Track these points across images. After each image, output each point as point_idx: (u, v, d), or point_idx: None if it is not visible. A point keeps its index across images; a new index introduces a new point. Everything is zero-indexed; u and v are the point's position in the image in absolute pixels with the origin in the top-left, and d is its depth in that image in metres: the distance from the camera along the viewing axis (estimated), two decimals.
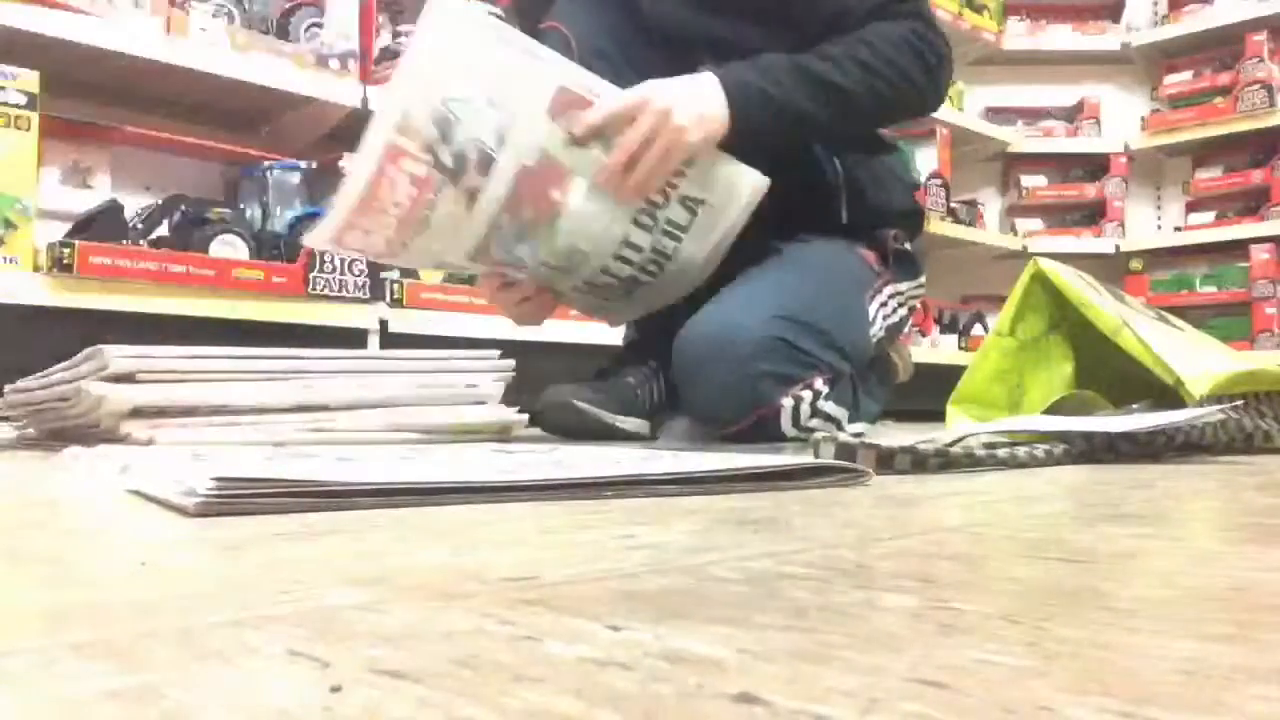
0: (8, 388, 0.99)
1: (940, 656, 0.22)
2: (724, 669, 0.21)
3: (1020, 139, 3.36)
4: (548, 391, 1.13)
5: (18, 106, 1.44)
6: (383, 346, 1.73)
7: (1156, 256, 3.32)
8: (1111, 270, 3.16)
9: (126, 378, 0.86)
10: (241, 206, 1.76)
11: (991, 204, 3.46)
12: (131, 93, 1.77)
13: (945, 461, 0.74)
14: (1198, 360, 0.96)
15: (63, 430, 0.92)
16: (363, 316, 1.73)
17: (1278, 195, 3.05)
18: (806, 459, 0.66)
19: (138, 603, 0.27)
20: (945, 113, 3.05)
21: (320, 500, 0.48)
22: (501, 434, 1.03)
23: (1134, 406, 0.93)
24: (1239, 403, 0.93)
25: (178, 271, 1.50)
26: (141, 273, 1.48)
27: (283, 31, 1.84)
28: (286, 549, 0.37)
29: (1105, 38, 3.35)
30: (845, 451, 0.70)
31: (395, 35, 1.98)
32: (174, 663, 0.21)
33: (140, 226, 1.62)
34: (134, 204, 1.69)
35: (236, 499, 0.46)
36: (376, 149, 0.89)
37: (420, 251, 0.97)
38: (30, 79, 1.46)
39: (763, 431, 1.04)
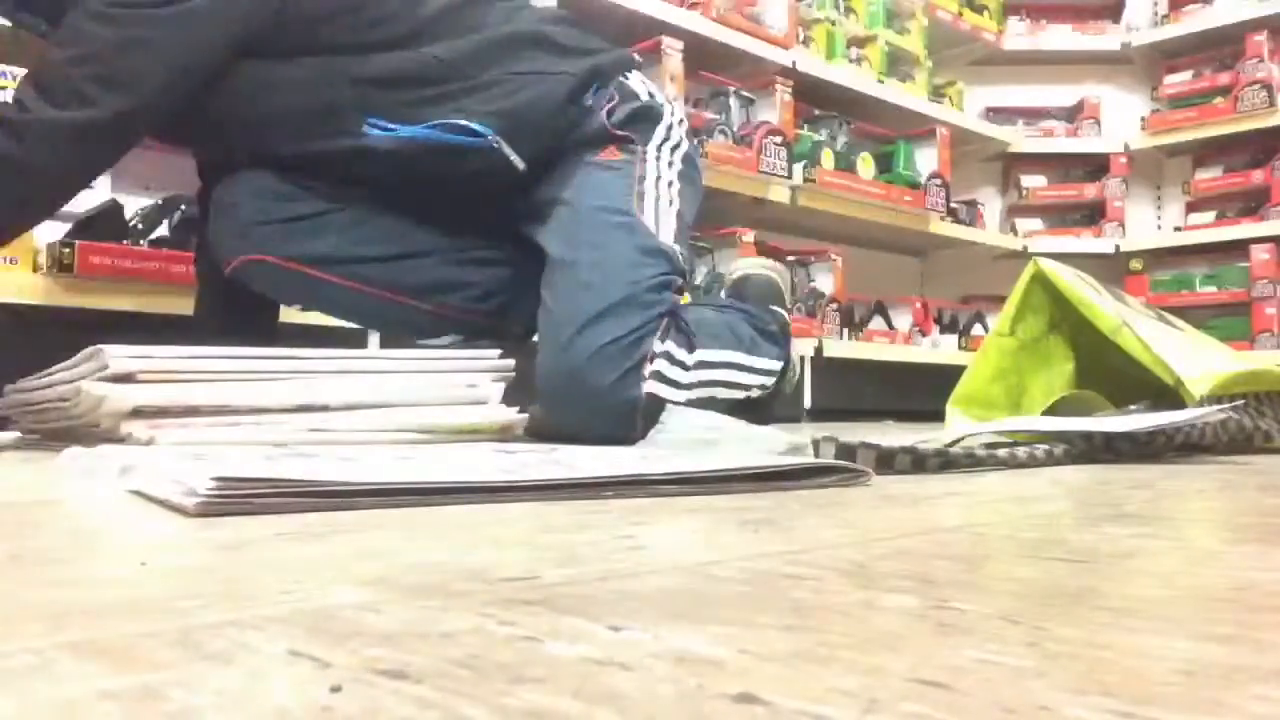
0: (8, 388, 0.99)
1: (940, 656, 0.22)
2: (724, 669, 0.21)
3: (1020, 139, 3.36)
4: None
5: None
6: (383, 346, 1.73)
7: (1156, 256, 3.32)
8: (1111, 270, 3.16)
9: (127, 378, 0.86)
10: None
11: (991, 204, 3.46)
12: None
13: (945, 461, 0.73)
14: (1198, 360, 0.96)
15: (63, 430, 0.92)
16: None
17: (1278, 195, 3.05)
18: (806, 459, 0.66)
19: (138, 603, 0.27)
20: (945, 113, 3.05)
21: (320, 500, 0.48)
22: (502, 434, 1.03)
23: (1133, 407, 0.93)
24: (1239, 402, 0.93)
25: (178, 271, 1.50)
26: (141, 272, 1.48)
27: None
28: (286, 549, 0.37)
29: (1105, 38, 3.35)
30: (845, 451, 0.70)
31: None
32: (174, 663, 0.21)
33: (140, 226, 1.62)
34: (134, 204, 1.69)
35: (237, 499, 0.46)
36: None
37: None
38: None
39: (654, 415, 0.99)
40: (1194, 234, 3.24)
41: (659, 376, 1.03)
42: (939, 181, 2.94)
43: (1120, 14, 3.39)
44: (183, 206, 1.65)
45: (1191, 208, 3.32)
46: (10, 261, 1.41)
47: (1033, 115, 3.46)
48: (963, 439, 0.81)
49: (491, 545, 0.38)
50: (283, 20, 1.03)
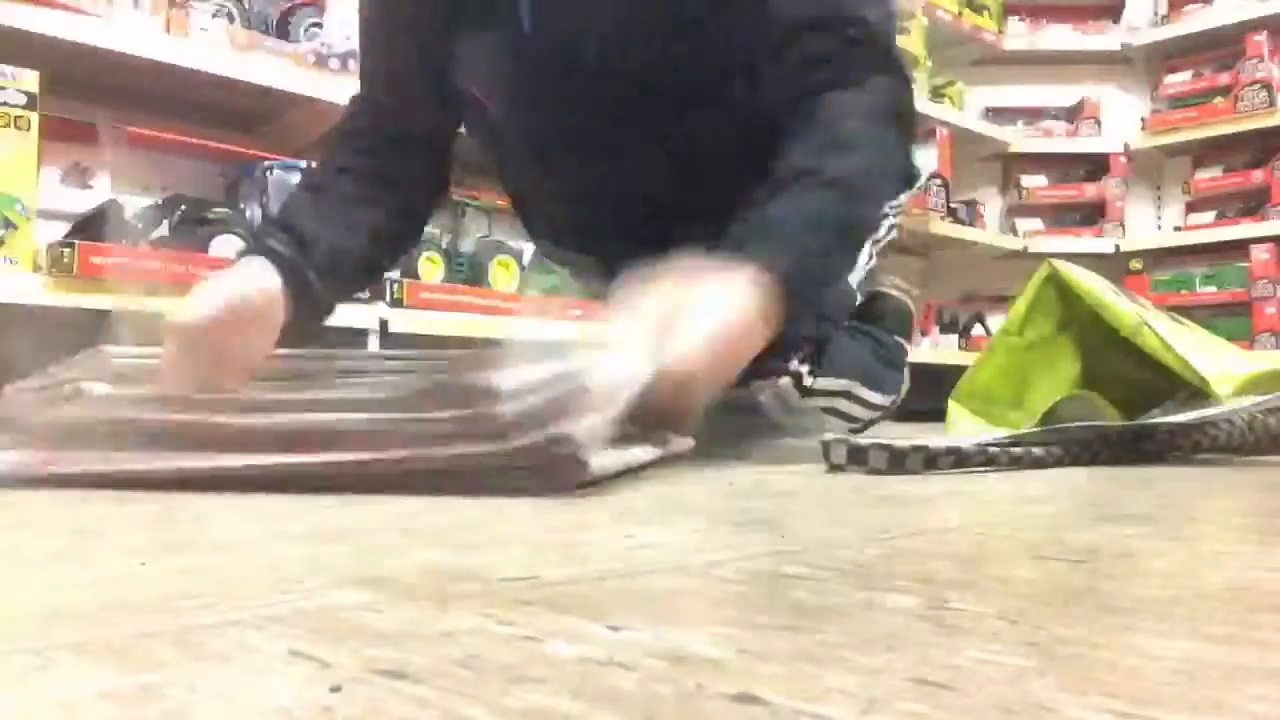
0: (7, 388, 0.99)
1: (940, 656, 0.22)
2: (724, 669, 0.21)
3: (1020, 139, 3.36)
4: None
5: (18, 106, 1.44)
6: (382, 346, 1.73)
7: (1156, 256, 3.32)
8: (1111, 270, 3.16)
9: (128, 379, 0.85)
10: (241, 206, 1.76)
11: (991, 204, 3.46)
12: (131, 93, 1.77)
13: (958, 459, 0.73)
14: (1217, 361, 0.96)
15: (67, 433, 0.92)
16: (362, 316, 1.73)
17: (1278, 195, 3.05)
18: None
19: (137, 603, 0.27)
20: (945, 113, 3.05)
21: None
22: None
23: (1154, 411, 0.92)
24: (1271, 398, 0.91)
25: (178, 271, 1.50)
26: (141, 273, 1.48)
27: (283, 31, 1.84)
28: (286, 549, 0.37)
29: (1105, 38, 3.35)
30: (857, 453, 0.70)
31: None
32: (174, 663, 0.21)
33: (140, 226, 1.62)
34: (134, 204, 1.69)
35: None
36: None
37: None
38: (30, 79, 1.45)
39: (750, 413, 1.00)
40: (1194, 234, 3.24)
41: (777, 393, 1.01)
42: (939, 181, 2.94)
43: (1120, 14, 3.39)
44: (183, 206, 1.65)
45: (1191, 208, 3.32)
46: (10, 261, 1.41)
47: (1033, 115, 3.46)
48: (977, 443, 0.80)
49: (491, 545, 0.38)
50: None
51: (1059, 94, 3.44)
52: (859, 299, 1.17)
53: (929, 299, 3.12)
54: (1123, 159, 3.33)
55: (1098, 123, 3.39)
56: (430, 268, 1.88)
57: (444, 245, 1.93)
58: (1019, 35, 3.36)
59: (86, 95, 1.73)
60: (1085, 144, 3.37)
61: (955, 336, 3.08)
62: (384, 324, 1.75)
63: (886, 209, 1.18)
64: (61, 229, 1.53)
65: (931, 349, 2.92)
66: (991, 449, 0.76)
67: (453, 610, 0.26)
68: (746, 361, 0.75)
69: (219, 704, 0.18)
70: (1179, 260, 3.29)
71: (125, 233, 1.58)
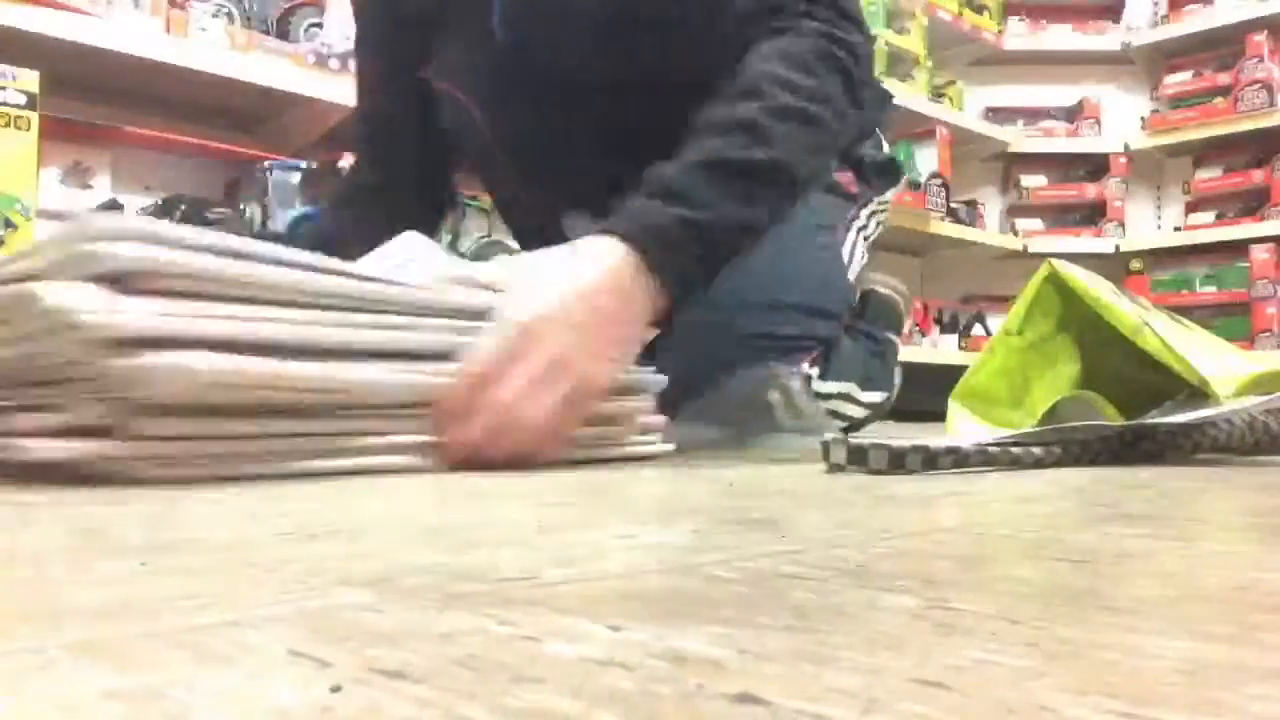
0: None
1: (940, 656, 0.22)
2: (724, 669, 0.21)
3: (1020, 139, 3.36)
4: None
5: (18, 106, 1.44)
6: None
7: (1156, 256, 3.32)
8: (1111, 270, 3.16)
9: (124, 282, 0.54)
10: (241, 206, 1.76)
11: (991, 204, 3.46)
12: (131, 93, 1.77)
13: (958, 459, 0.73)
14: (1218, 361, 0.96)
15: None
16: None
17: (1278, 195, 3.05)
18: None
19: (138, 603, 0.27)
20: (945, 113, 3.05)
21: None
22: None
23: (1153, 412, 0.92)
24: (1271, 398, 0.91)
25: None
26: None
27: (283, 31, 1.84)
28: (286, 549, 0.37)
29: (1105, 38, 3.36)
30: (857, 453, 0.70)
31: None
32: (174, 663, 0.21)
33: None
34: (134, 204, 1.69)
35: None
36: None
37: None
38: (30, 79, 1.46)
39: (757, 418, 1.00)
40: (1194, 234, 3.24)
41: (787, 394, 1.00)
42: (939, 181, 2.94)
43: (1120, 14, 3.39)
44: (182, 206, 1.65)
45: (1191, 208, 3.32)
46: None
47: (1033, 115, 3.46)
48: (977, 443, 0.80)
49: (491, 545, 0.38)
50: None
51: (1059, 94, 3.44)
52: (856, 295, 1.19)
53: (929, 299, 3.12)
54: (1123, 159, 3.33)
55: (1098, 123, 3.39)
56: None
57: (444, 245, 1.94)
58: (1019, 35, 3.36)
59: (86, 95, 1.73)
60: (1085, 144, 3.37)
61: (955, 336, 3.08)
62: None
63: (874, 205, 1.19)
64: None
65: (931, 349, 2.92)
66: (991, 449, 0.76)
67: (453, 610, 0.26)
68: (638, 315, 0.74)
69: (219, 704, 0.18)
70: (1179, 260, 3.29)
71: None
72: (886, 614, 0.27)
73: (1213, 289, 3.20)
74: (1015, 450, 0.77)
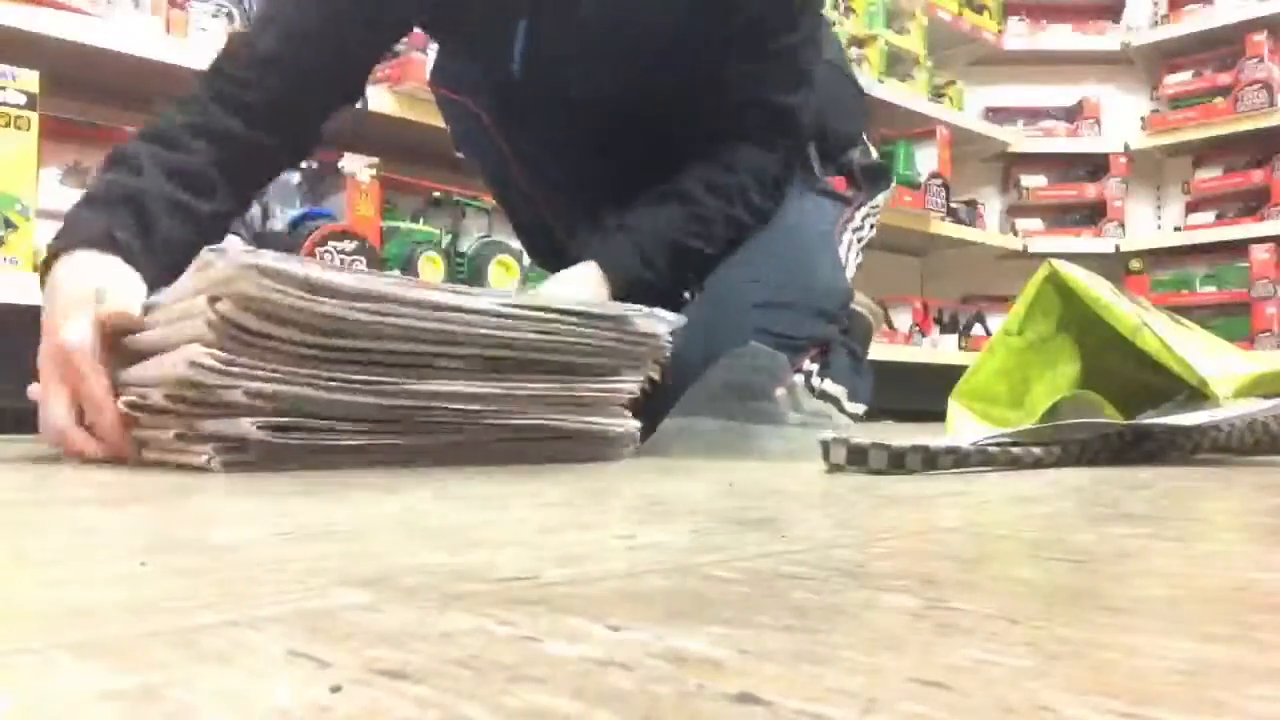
0: (121, 375, 0.79)
1: (940, 656, 0.22)
2: (724, 669, 0.21)
3: (1020, 139, 3.36)
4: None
5: (18, 106, 1.44)
6: None
7: (1156, 256, 3.33)
8: (1111, 270, 3.16)
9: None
10: None
11: (991, 204, 3.46)
12: (131, 93, 1.77)
13: (957, 459, 0.73)
14: (1218, 362, 0.96)
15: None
16: None
17: (1278, 195, 3.05)
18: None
19: (138, 603, 0.27)
20: (945, 113, 3.05)
21: None
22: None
23: (1151, 413, 0.92)
24: (1271, 405, 0.91)
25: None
26: None
27: None
28: (286, 549, 0.37)
29: (1105, 38, 3.36)
30: (857, 453, 0.70)
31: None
32: (174, 663, 0.21)
33: None
34: None
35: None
36: None
37: None
38: (30, 79, 1.45)
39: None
40: (1194, 234, 3.24)
41: (790, 391, 1.02)
42: (939, 181, 2.94)
43: (1120, 14, 3.39)
44: None
45: (1191, 208, 3.32)
46: (11, 261, 1.41)
47: (1033, 115, 3.46)
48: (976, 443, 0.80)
49: (491, 545, 0.38)
50: None
51: (1059, 94, 3.45)
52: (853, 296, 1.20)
53: (929, 299, 3.12)
54: (1123, 159, 3.33)
55: (1098, 123, 3.39)
56: (430, 267, 1.88)
57: (444, 245, 1.94)
58: (1019, 35, 3.36)
59: (86, 95, 1.73)
60: (1085, 144, 3.37)
61: (955, 336, 3.08)
62: None
63: (867, 209, 1.23)
64: None
65: (931, 349, 2.92)
66: (991, 449, 0.76)
67: (453, 610, 0.26)
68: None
69: (218, 704, 0.18)
70: (1179, 260, 3.29)
71: None
72: (886, 614, 0.27)
73: (1213, 289, 3.20)
74: (1015, 450, 0.77)
